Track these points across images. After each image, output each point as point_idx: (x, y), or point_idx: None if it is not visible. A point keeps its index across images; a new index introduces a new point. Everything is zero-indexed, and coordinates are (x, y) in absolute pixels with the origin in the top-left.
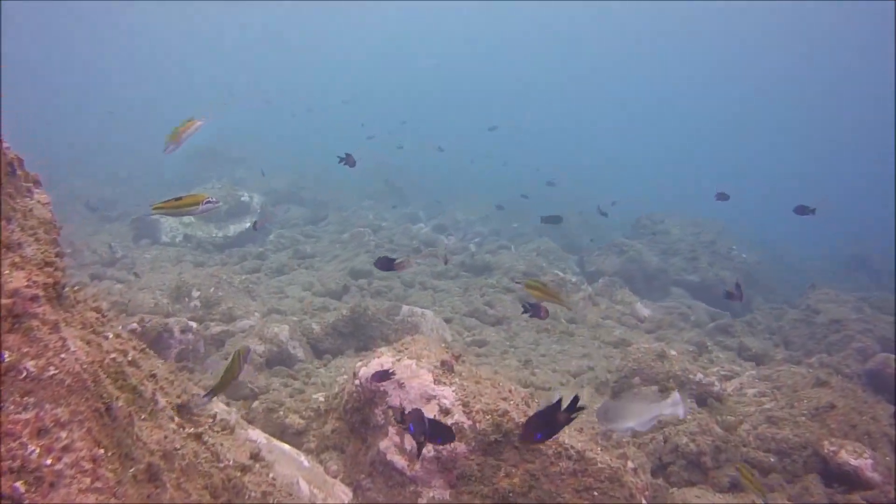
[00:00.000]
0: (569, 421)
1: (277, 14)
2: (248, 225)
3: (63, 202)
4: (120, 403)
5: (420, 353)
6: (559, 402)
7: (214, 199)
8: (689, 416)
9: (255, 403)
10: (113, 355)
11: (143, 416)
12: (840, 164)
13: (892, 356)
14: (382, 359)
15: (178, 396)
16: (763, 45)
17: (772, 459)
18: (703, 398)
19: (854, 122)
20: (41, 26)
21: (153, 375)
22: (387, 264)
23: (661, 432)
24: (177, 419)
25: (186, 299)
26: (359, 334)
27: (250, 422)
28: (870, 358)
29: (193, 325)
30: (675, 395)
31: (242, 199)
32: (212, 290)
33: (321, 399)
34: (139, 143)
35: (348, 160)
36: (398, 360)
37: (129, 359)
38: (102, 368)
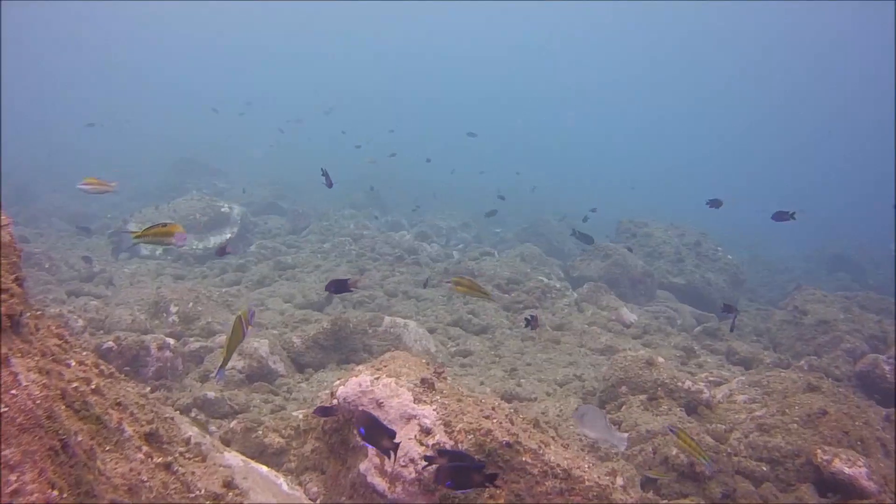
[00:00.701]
0: (482, 484)
1: (262, 19)
2: (228, 236)
3: (39, 217)
4: (79, 438)
5: (399, 371)
6: (482, 466)
7: (182, 235)
8: (678, 426)
9: (233, 423)
10: (75, 384)
11: (107, 448)
12: (839, 162)
13: (881, 357)
14: (360, 377)
15: (149, 422)
16: (762, 45)
17: (764, 468)
18: (693, 406)
19: (854, 122)
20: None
21: (119, 403)
22: (340, 286)
23: (650, 443)
24: (145, 448)
25: (165, 315)
26: (340, 347)
27: (228, 442)
28: (859, 359)
29: (171, 342)
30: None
31: (222, 209)
32: (190, 304)
33: (301, 416)
34: (119, 155)
35: (327, 180)
36: (377, 379)
37: (93, 387)
38: (63, 400)
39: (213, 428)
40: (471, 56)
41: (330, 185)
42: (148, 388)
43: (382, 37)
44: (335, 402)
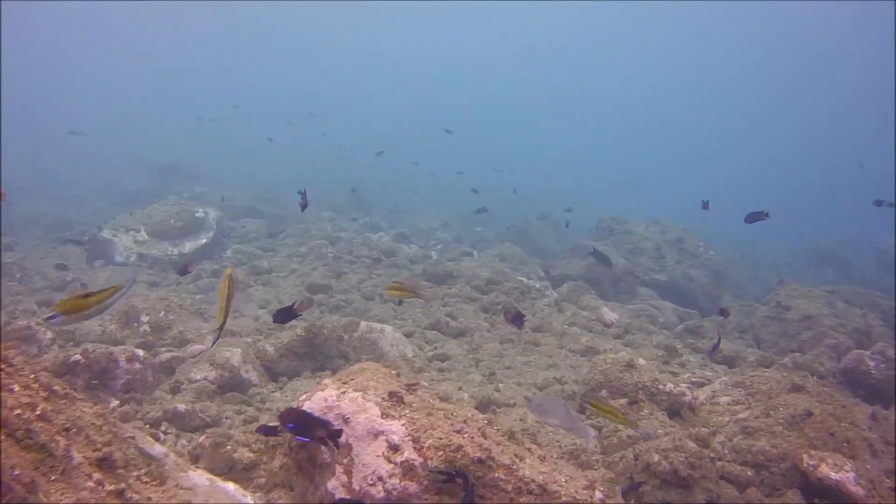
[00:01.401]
0: (323, 440)
1: (252, 21)
2: (203, 241)
3: (17, 225)
4: (17, 472)
5: (367, 385)
6: (326, 422)
7: (126, 285)
8: (660, 431)
9: (202, 438)
10: (18, 411)
11: (52, 478)
12: (839, 163)
13: (866, 353)
14: (326, 392)
15: (106, 444)
16: (761, 45)
17: (749, 473)
18: (675, 409)
19: (854, 122)
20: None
21: (68, 429)
22: (286, 314)
23: (631, 450)
24: (96, 476)
25: (136, 324)
26: (315, 354)
27: (197, 458)
28: (844, 354)
29: (140, 353)
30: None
31: (197, 214)
32: (162, 313)
33: None
34: (105, 160)
35: (303, 200)
36: (343, 393)
37: (38, 412)
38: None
39: (183, 441)
40: (463, 58)
41: (304, 207)
42: (116, 403)
43: (375, 38)
44: None
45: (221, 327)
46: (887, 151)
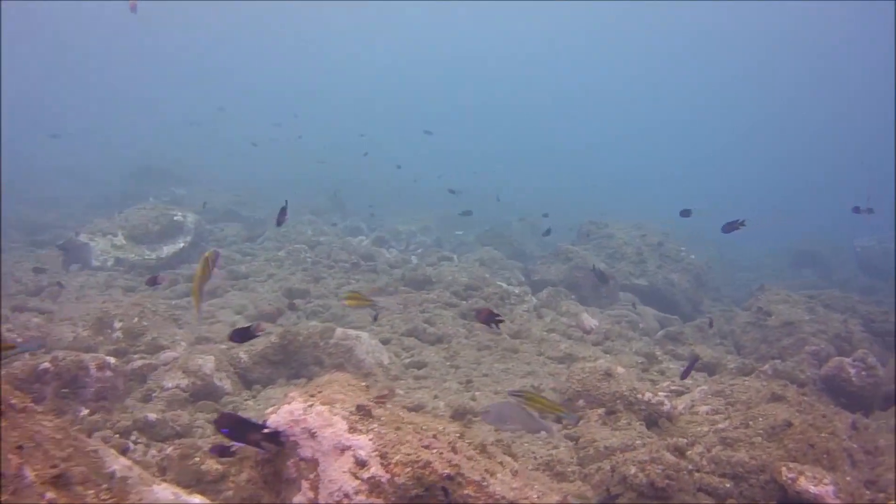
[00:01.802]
0: (258, 443)
1: (234, 24)
2: (181, 245)
3: None
4: None
5: (334, 398)
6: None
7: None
8: (638, 442)
9: (170, 449)
10: None
11: (3, 498)
12: (838, 164)
13: (846, 360)
14: (293, 405)
15: (65, 460)
16: (759, 45)
17: (727, 485)
18: (654, 419)
19: (853, 123)
20: None
21: (21, 447)
22: (242, 335)
23: (608, 461)
24: (49, 494)
25: (109, 331)
26: (290, 361)
27: (165, 470)
28: (824, 361)
29: (111, 360)
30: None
31: (175, 218)
32: (135, 319)
33: None
34: (86, 162)
35: (280, 216)
36: (310, 407)
37: None
38: None
39: (153, 452)
40: (460, 58)
41: (280, 223)
42: (85, 412)
43: (367, 40)
44: (266, 431)
45: (197, 310)
46: (887, 151)
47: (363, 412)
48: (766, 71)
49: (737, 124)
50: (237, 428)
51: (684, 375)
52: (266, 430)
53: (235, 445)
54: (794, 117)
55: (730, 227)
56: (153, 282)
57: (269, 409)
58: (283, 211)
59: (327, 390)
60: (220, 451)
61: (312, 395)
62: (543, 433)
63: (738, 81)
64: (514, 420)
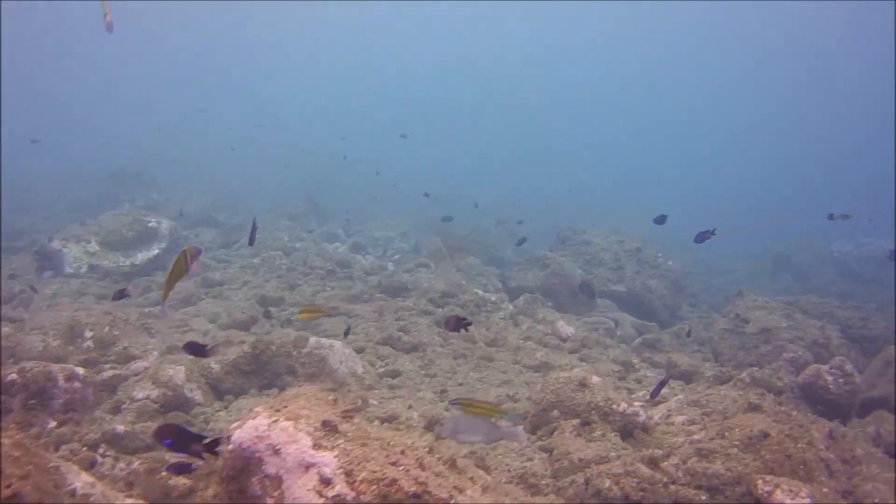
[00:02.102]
0: (199, 454)
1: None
2: (156, 252)
3: None
4: None
5: (299, 413)
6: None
7: None
8: (612, 454)
9: (136, 463)
10: None
11: None
12: (838, 165)
13: (824, 367)
14: (257, 420)
15: (22, 477)
16: (761, 45)
17: (703, 497)
18: (629, 430)
19: (853, 122)
20: None
21: None
22: (196, 349)
23: (582, 474)
24: None
25: (79, 340)
26: (263, 371)
27: (131, 485)
28: (802, 368)
29: (80, 371)
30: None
31: (150, 224)
32: (106, 328)
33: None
34: (63, 166)
35: (251, 234)
36: (274, 422)
37: None
38: None
39: (121, 465)
40: (455, 60)
41: (251, 242)
42: (53, 424)
43: (357, 43)
44: (231, 446)
45: (163, 299)
46: (887, 152)
47: (329, 428)
48: (764, 71)
49: (734, 125)
50: (179, 439)
51: (653, 395)
52: (206, 441)
53: (195, 463)
54: (792, 118)
55: (702, 237)
56: (120, 296)
57: (234, 424)
58: (254, 229)
59: (293, 405)
60: (178, 469)
61: (277, 410)
62: (516, 443)
63: (735, 81)
64: (469, 431)
